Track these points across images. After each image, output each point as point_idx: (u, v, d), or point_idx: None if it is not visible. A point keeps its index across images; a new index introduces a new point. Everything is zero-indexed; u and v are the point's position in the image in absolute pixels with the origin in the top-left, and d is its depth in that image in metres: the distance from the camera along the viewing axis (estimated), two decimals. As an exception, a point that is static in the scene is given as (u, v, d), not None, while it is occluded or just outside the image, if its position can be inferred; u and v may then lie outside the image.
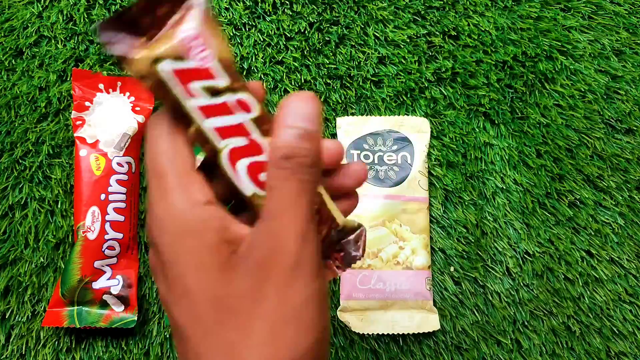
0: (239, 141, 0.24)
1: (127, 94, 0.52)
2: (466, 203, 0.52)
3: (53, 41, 0.53)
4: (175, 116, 0.24)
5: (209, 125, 0.23)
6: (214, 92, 0.23)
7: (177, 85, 0.23)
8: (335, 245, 0.28)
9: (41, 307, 0.49)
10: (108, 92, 0.51)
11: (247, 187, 0.25)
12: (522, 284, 0.51)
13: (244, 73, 0.54)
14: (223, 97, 0.23)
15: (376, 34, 0.55)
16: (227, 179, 0.25)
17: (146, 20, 0.23)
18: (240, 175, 0.24)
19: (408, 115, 0.54)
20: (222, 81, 0.23)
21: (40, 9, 0.54)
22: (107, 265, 0.48)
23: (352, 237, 0.28)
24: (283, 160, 0.23)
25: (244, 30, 0.55)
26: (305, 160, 0.23)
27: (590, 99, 0.55)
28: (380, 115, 0.54)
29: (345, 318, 0.49)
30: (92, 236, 0.47)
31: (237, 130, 0.24)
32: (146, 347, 0.49)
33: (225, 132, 0.24)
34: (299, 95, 0.24)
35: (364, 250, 0.28)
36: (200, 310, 0.22)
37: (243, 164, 0.24)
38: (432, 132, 0.54)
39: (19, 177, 0.51)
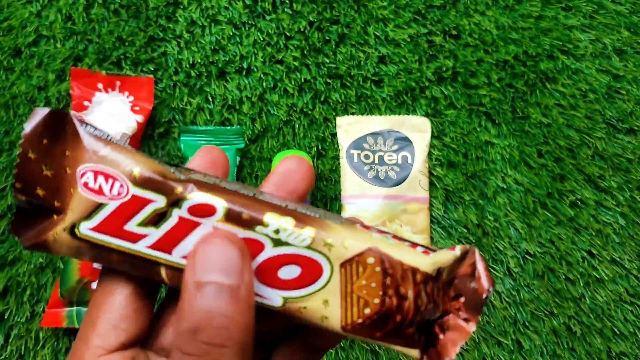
0: None
1: (126, 93, 0.52)
2: (467, 203, 0.52)
3: (52, 40, 0.53)
4: (130, 270, 0.19)
5: (177, 258, 0.18)
6: (157, 218, 0.18)
7: (111, 240, 0.18)
8: (447, 294, 0.19)
9: (40, 308, 0.48)
10: (107, 92, 0.51)
11: (272, 298, 0.19)
12: (523, 284, 0.51)
13: (244, 72, 0.54)
14: (171, 218, 0.18)
15: (376, 33, 0.55)
16: None
17: (37, 194, 0.19)
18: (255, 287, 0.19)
19: (408, 114, 0.54)
20: (157, 202, 0.18)
21: (39, 8, 0.53)
22: (106, 265, 0.48)
23: (461, 270, 0.19)
24: (187, 337, 0.16)
25: (243, 29, 0.55)
26: (220, 337, 0.16)
27: (591, 98, 0.55)
28: (381, 115, 0.53)
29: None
30: (91, 236, 0.47)
31: None
32: (145, 348, 0.48)
33: None
34: (213, 236, 0.17)
35: (489, 278, 0.19)
36: None
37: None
38: (432, 131, 0.53)
39: (17, 177, 0.50)
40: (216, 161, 0.21)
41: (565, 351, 0.50)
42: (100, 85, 0.51)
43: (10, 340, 0.48)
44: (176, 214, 0.18)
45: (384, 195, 0.51)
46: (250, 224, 0.18)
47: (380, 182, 0.51)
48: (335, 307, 0.18)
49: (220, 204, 0.18)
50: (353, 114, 0.54)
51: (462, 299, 0.19)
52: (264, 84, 0.54)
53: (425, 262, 0.19)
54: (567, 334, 0.50)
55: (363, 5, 0.56)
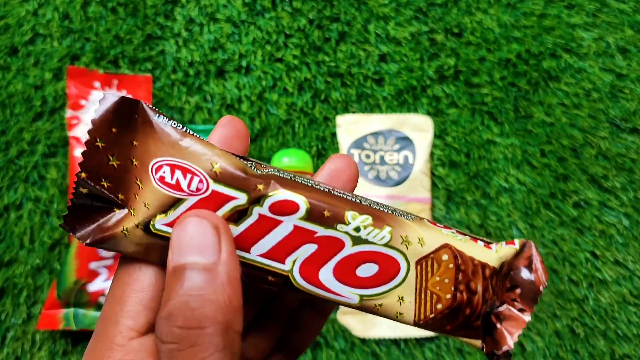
0: (307, 249, 0.18)
1: (124, 92, 0.51)
2: (469, 203, 0.52)
3: (48, 39, 0.52)
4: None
5: (254, 256, 0.18)
6: (237, 215, 0.18)
7: None
8: (504, 286, 0.20)
9: (37, 310, 0.48)
10: (104, 90, 0.51)
11: (348, 297, 0.19)
12: (525, 286, 0.50)
13: (243, 71, 0.53)
14: (251, 216, 0.18)
15: (377, 31, 0.55)
16: (311, 299, 0.19)
17: (101, 185, 0.18)
18: (330, 287, 0.19)
19: (410, 113, 0.53)
20: (238, 199, 0.18)
21: (36, 6, 0.53)
22: (103, 266, 0.47)
23: (518, 262, 0.20)
24: (163, 324, 0.15)
25: (242, 27, 0.54)
26: (195, 319, 0.15)
27: (594, 97, 0.54)
28: (382, 114, 0.53)
29: (346, 321, 0.48)
30: (88, 237, 0.46)
31: (295, 238, 0.18)
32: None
33: (280, 250, 0.18)
34: (185, 216, 0.17)
35: (546, 272, 0.20)
36: None
37: (327, 271, 0.18)
38: (434, 131, 0.53)
39: (14, 177, 0.50)
40: (239, 134, 0.20)
41: (569, 353, 0.49)
42: (97, 84, 0.50)
43: (6, 343, 0.47)
44: (257, 212, 0.18)
45: (384, 196, 0.50)
46: (332, 221, 0.18)
47: (381, 182, 0.51)
48: (410, 303, 0.19)
49: (301, 200, 0.18)
50: (353, 112, 0.53)
51: (518, 290, 0.20)
52: (263, 82, 0.53)
53: (492, 258, 0.19)
54: (570, 336, 0.49)
55: (364, 3, 0.55)
